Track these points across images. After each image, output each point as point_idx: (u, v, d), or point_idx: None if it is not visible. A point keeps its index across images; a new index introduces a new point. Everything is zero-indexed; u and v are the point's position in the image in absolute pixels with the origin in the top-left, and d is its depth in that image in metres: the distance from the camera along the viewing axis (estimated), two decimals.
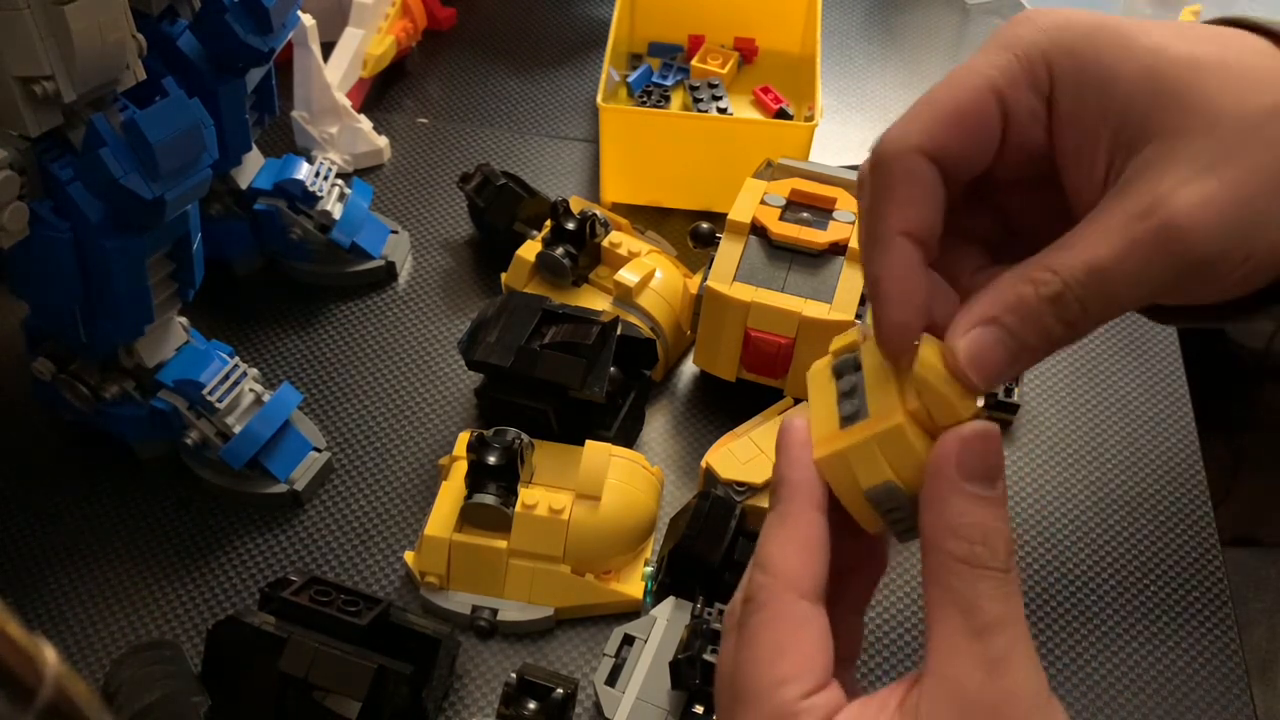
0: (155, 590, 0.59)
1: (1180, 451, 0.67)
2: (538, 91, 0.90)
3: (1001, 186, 0.33)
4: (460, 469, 0.59)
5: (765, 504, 0.57)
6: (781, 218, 0.64)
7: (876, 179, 0.31)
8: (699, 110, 0.83)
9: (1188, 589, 0.60)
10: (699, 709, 0.51)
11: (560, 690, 0.52)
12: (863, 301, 0.62)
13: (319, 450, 0.64)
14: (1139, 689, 0.56)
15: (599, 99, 0.73)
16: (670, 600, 0.56)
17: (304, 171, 0.70)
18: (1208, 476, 0.66)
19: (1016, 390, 0.68)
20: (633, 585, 0.58)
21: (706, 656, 0.50)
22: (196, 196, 0.54)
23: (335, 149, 0.80)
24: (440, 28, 0.94)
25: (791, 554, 0.31)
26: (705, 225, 0.68)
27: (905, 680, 0.30)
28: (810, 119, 0.75)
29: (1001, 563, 0.29)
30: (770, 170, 0.68)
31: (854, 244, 0.62)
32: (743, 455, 0.60)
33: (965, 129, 0.30)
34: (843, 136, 0.86)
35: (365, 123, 0.82)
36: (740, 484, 0.59)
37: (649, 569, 0.59)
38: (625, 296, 0.66)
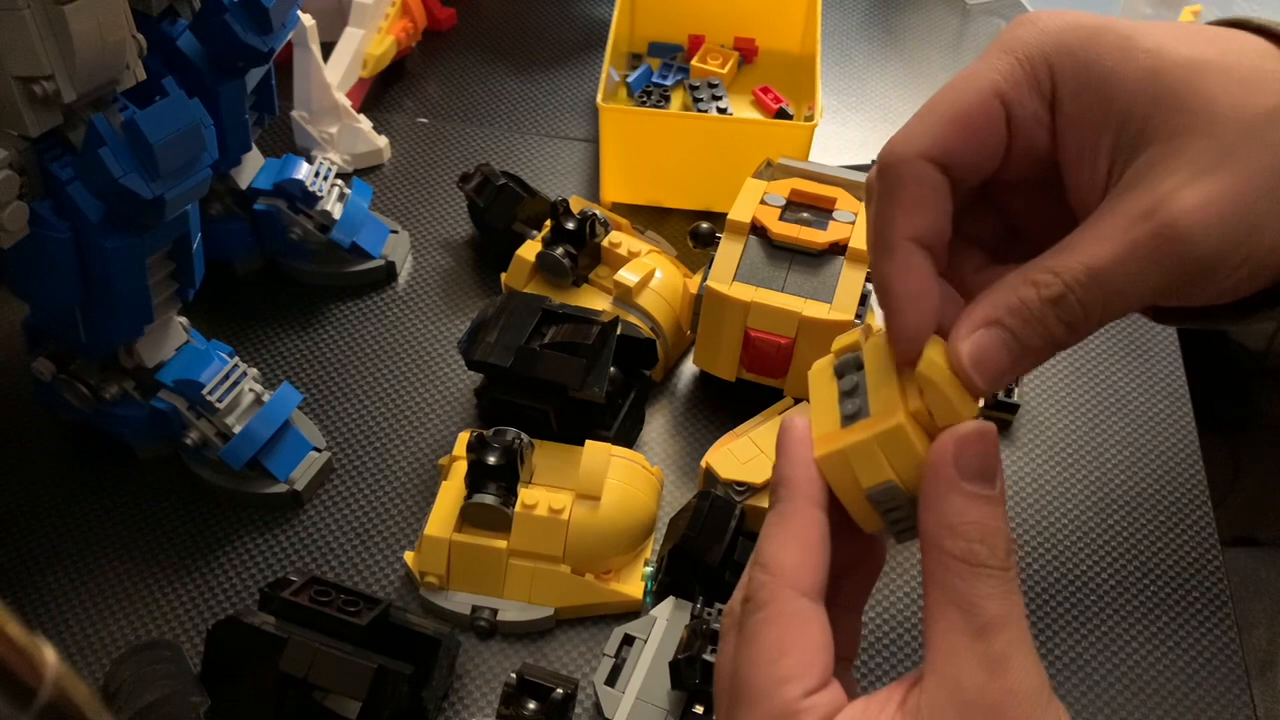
0: (155, 590, 0.59)
1: (1180, 451, 0.67)
2: (538, 91, 0.90)
3: (1005, 189, 0.33)
4: (460, 469, 0.59)
5: (765, 504, 0.57)
6: (781, 218, 0.64)
7: (884, 185, 0.31)
8: (699, 110, 0.83)
9: (1188, 589, 0.60)
10: (699, 709, 0.51)
11: (560, 690, 0.52)
12: (863, 301, 0.62)
13: (319, 450, 0.64)
14: (1139, 689, 0.56)
15: (599, 99, 0.73)
16: (670, 600, 0.56)
17: (304, 171, 0.70)
18: (1208, 476, 0.66)
19: (1016, 390, 0.68)
20: (633, 585, 0.58)
21: (706, 656, 0.50)
22: (196, 196, 0.54)
23: (335, 149, 0.80)
24: (440, 28, 0.94)
25: (792, 552, 0.31)
26: (705, 225, 0.68)
27: (906, 680, 0.30)
28: (810, 119, 0.75)
29: (1001, 561, 0.29)
30: (770, 170, 0.68)
31: (854, 244, 0.62)
32: (743, 455, 0.60)
33: (971, 134, 0.31)
34: (843, 136, 0.86)
35: (365, 123, 0.82)
36: (740, 484, 0.59)
37: (649, 569, 0.59)
38: (625, 296, 0.66)
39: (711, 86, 0.85)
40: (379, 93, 0.88)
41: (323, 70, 0.78)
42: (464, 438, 0.60)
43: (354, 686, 0.48)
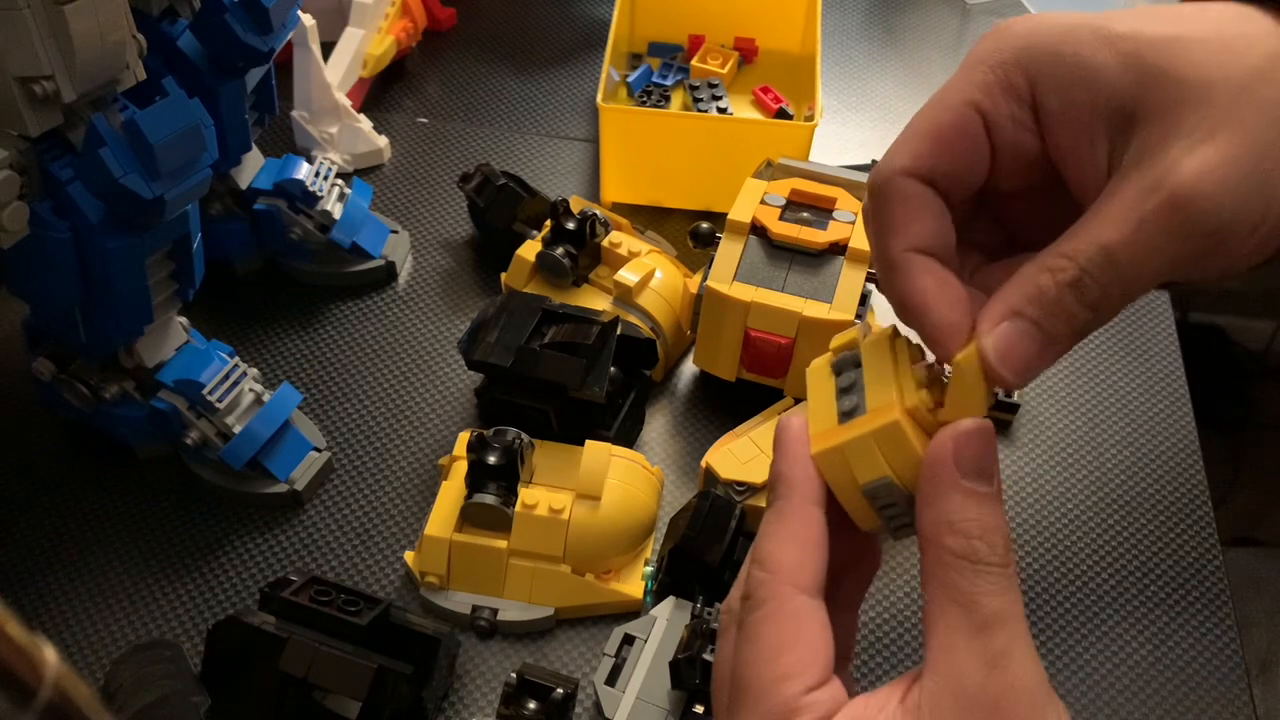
0: (155, 590, 0.59)
1: (1180, 451, 0.67)
2: (538, 91, 0.90)
3: (1003, 196, 0.33)
4: (460, 469, 0.59)
5: (765, 504, 0.57)
6: (781, 217, 0.64)
7: (875, 207, 0.32)
8: (699, 110, 0.83)
9: (1188, 589, 0.60)
10: (699, 709, 0.51)
11: (560, 690, 0.52)
12: (863, 301, 0.62)
13: (319, 450, 0.64)
14: (1139, 689, 0.56)
15: (599, 99, 0.73)
16: (670, 600, 0.56)
17: (304, 171, 0.70)
18: (1208, 476, 0.66)
19: (1016, 390, 0.68)
20: (633, 585, 0.58)
21: (706, 656, 0.50)
22: (196, 196, 0.54)
23: (335, 149, 0.80)
24: (440, 28, 0.94)
25: (791, 549, 0.31)
26: (705, 225, 0.68)
27: (906, 677, 0.30)
28: (810, 119, 0.75)
29: (1000, 558, 0.29)
30: (770, 170, 0.68)
31: (854, 244, 0.62)
32: (743, 455, 0.60)
33: (949, 147, 0.31)
34: (843, 136, 0.86)
35: (365, 123, 0.82)
36: (740, 484, 0.59)
37: (649, 569, 0.59)
38: (625, 296, 0.66)
39: (711, 86, 0.85)
40: (379, 93, 0.88)
41: (323, 70, 0.78)
42: (464, 438, 0.60)
43: (354, 686, 0.48)
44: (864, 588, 0.35)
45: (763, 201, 0.64)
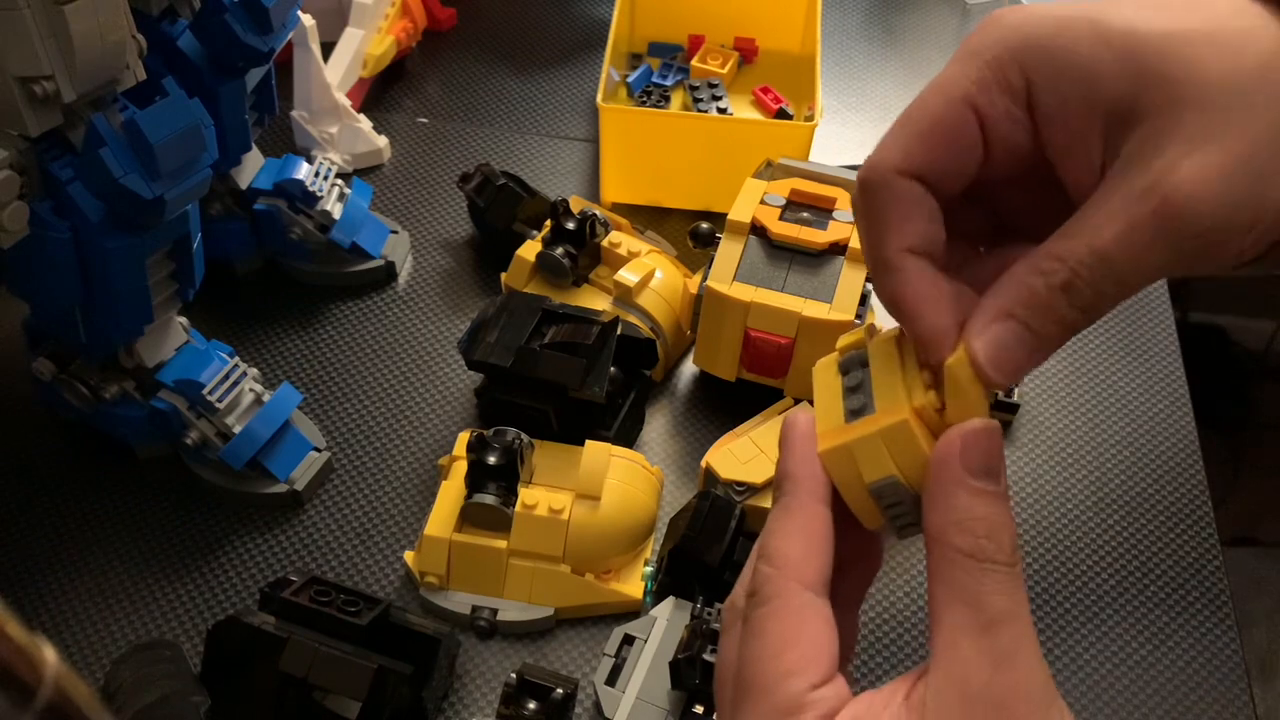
0: (155, 590, 0.59)
1: (1180, 451, 0.67)
2: (538, 91, 0.90)
3: (994, 189, 0.33)
4: (460, 469, 0.59)
5: (766, 504, 0.57)
6: (781, 217, 0.64)
7: (866, 205, 0.31)
8: (699, 110, 0.83)
9: (1188, 589, 0.60)
10: (699, 709, 0.51)
11: (560, 690, 0.52)
12: (863, 301, 0.62)
13: (319, 450, 0.64)
14: (1139, 689, 0.56)
15: (599, 99, 0.73)
16: (670, 600, 0.56)
17: (304, 171, 0.70)
18: (1208, 476, 0.66)
19: (1016, 390, 0.68)
20: (633, 585, 0.58)
21: (706, 656, 0.50)
22: (196, 196, 0.54)
23: (335, 149, 0.80)
24: (440, 28, 0.94)
25: (796, 546, 0.31)
26: (705, 225, 0.68)
27: (911, 675, 0.30)
28: (810, 119, 0.75)
29: (1007, 557, 0.29)
30: (770, 170, 0.68)
31: (854, 244, 0.62)
32: (743, 455, 0.60)
33: (941, 143, 0.30)
34: (843, 136, 0.86)
35: (365, 123, 0.82)
36: (740, 484, 0.58)
37: (649, 569, 0.59)
38: (625, 296, 0.66)
39: (711, 86, 0.85)
40: (379, 93, 0.88)
41: (323, 70, 0.78)
42: (464, 438, 0.60)
43: (354, 686, 0.48)
44: (865, 587, 0.35)
45: (763, 201, 0.64)
